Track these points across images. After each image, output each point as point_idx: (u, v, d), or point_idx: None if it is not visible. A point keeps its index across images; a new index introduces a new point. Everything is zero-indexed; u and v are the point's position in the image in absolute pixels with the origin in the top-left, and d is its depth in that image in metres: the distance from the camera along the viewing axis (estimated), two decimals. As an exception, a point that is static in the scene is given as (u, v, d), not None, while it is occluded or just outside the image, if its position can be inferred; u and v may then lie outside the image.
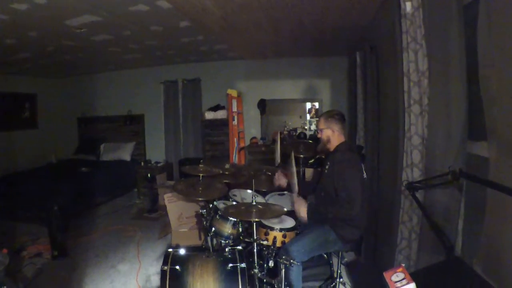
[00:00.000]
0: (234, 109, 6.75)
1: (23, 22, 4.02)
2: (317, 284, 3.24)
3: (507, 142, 1.78)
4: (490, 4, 1.90)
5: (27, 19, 3.90)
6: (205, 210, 3.26)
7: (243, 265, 2.63)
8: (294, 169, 2.97)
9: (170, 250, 2.76)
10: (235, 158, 6.64)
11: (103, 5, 3.67)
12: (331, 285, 3.10)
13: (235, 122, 6.78)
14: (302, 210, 2.80)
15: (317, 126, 3.09)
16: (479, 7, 2.00)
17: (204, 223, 3.24)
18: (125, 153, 7.89)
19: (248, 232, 3.04)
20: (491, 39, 1.90)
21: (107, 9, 3.77)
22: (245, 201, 3.34)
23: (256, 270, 2.66)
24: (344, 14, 4.12)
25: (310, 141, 5.12)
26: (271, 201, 3.39)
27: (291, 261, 2.47)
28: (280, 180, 3.43)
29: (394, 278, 1.71)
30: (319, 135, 3.01)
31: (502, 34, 1.80)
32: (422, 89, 2.55)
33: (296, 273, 2.64)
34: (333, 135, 2.92)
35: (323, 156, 3.45)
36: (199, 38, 5.35)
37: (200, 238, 4.12)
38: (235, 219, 2.98)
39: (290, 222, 2.97)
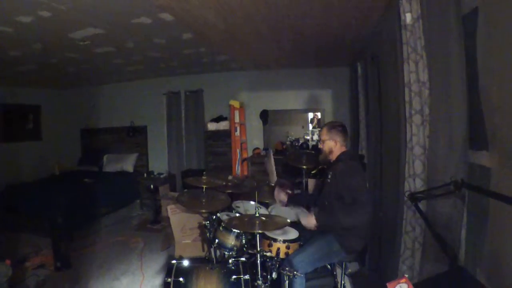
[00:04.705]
0: (237, 120, 6.77)
1: (28, 35, 4.06)
2: (321, 295, 3.22)
3: (508, 152, 1.79)
4: (489, 14, 1.92)
5: (31, 31, 3.94)
6: (208, 222, 3.26)
7: (247, 276, 2.64)
8: (272, 161, 3.04)
9: (174, 261, 2.76)
10: (237, 169, 6.64)
11: (106, 18, 3.71)
12: (335, 296, 3.09)
13: (237, 133, 6.79)
14: (311, 220, 2.78)
15: (319, 136, 3.10)
16: (478, 17, 2.03)
17: (208, 234, 3.24)
18: (128, 164, 7.90)
19: (251, 243, 3.04)
20: (491, 48, 1.92)
21: (110, 22, 3.82)
22: (248, 212, 3.34)
23: (259, 282, 2.65)
24: (345, 25, 4.15)
25: (313, 152, 5.13)
26: (274, 212, 3.40)
27: (295, 272, 2.47)
28: (280, 195, 3.43)
29: (398, 289, 1.71)
30: (321, 146, 3.02)
31: (502, 43, 1.81)
32: (423, 99, 2.56)
33: (299, 284, 2.63)
34: (335, 147, 2.92)
35: (325, 167, 3.46)
36: (202, 49, 5.39)
37: (203, 250, 4.11)
38: (239, 231, 2.98)
39: (293, 234, 2.97)
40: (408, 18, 2.61)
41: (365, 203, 2.57)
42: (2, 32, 3.86)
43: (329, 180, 2.91)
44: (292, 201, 3.44)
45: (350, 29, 4.31)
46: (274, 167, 3.45)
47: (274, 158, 6.51)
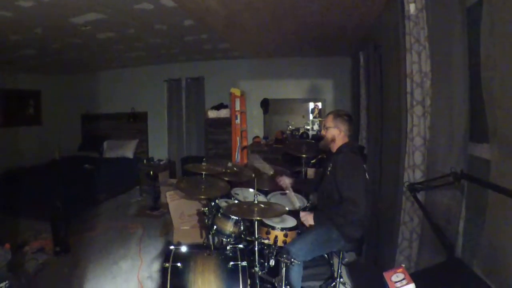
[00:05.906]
0: (237, 108, 6.75)
1: (28, 19, 4.04)
2: (317, 283, 3.25)
3: (509, 144, 1.78)
4: (493, 6, 1.90)
5: (32, 16, 3.92)
6: (207, 208, 3.27)
7: (244, 263, 2.65)
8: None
9: (172, 247, 2.78)
10: (237, 157, 6.65)
11: (108, 3, 3.68)
12: (331, 285, 3.11)
13: (238, 121, 6.78)
14: (310, 219, 2.80)
15: (323, 123, 3.07)
16: (482, 9, 2.01)
17: (206, 221, 3.25)
18: (128, 150, 7.92)
19: (249, 230, 3.05)
20: (494, 41, 1.91)
21: (111, 7, 3.79)
22: (247, 199, 3.35)
23: (257, 269, 2.67)
24: (348, 14, 4.12)
25: (313, 141, 5.13)
26: (273, 200, 3.41)
27: (292, 260, 2.48)
28: (284, 180, 3.44)
29: (394, 278, 1.73)
30: (323, 133, 3.00)
31: (505, 36, 1.80)
32: (425, 90, 2.55)
33: (296, 272, 2.65)
34: (338, 135, 2.90)
35: (325, 156, 3.45)
36: (203, 36, 5.36)
37: (201, 236, 4.12)
38: (237, 218, 2.99)
39: (291, 222, 2.98)
40: (412, 8, 2.59)
41: (360, 201, 2.57)
42: (2, 16, 3.83)
43: (328, 172, 2.90)
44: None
45: (353, 18, 4.27)
46: (264, 163, 3.45)
47: (274, 147, 6.54)
